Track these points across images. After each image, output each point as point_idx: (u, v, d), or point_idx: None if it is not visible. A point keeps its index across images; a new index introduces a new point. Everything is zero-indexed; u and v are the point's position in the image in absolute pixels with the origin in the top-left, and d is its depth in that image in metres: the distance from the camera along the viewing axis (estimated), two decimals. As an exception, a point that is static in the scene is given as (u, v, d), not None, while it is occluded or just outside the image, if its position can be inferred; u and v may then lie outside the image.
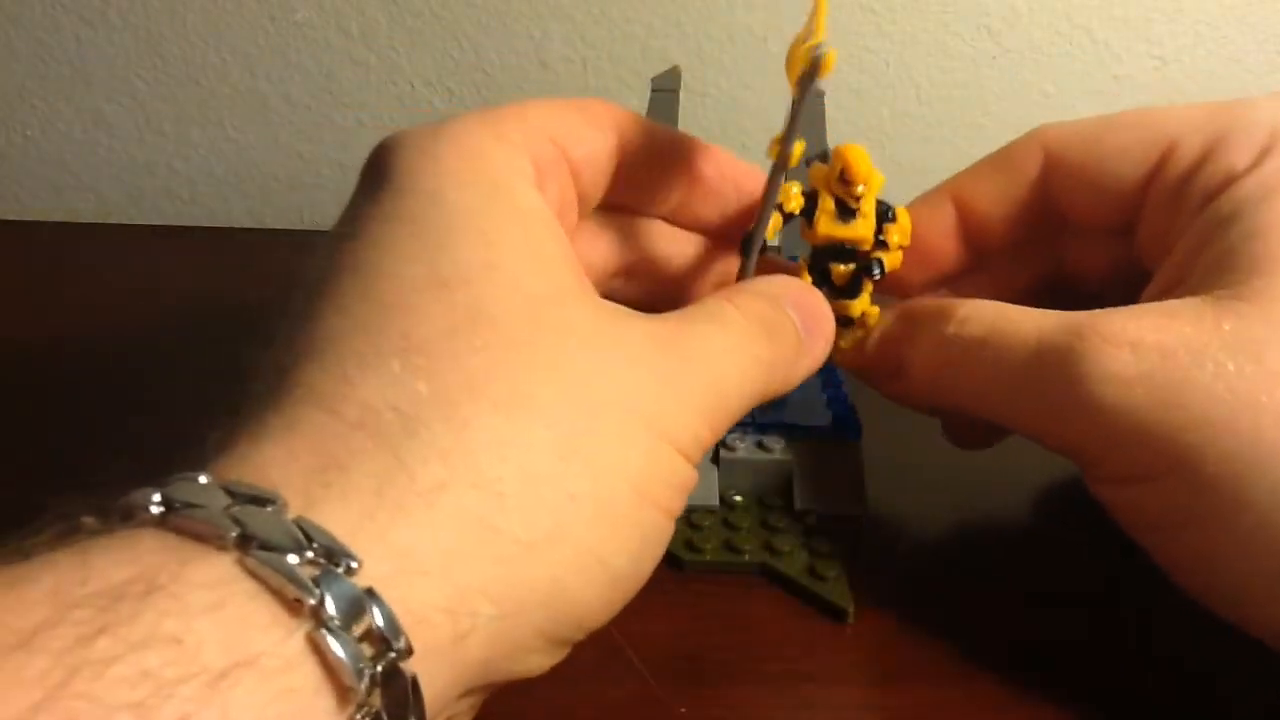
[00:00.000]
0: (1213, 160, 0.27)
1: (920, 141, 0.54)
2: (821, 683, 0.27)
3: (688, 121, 0.52)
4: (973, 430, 0.32)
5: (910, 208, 0.31)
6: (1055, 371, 0.25)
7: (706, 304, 0.26)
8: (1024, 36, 0.50)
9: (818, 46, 0.24)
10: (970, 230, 0.31)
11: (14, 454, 0.34)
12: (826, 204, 0.29)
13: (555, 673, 0.23)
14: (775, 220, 0.29)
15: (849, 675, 0.27)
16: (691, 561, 0.30)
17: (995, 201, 0.31)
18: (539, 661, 0.22)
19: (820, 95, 0.37)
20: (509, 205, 0.24)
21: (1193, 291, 0.25)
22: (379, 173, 0.25)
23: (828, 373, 0.34)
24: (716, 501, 0.31)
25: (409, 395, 0.21)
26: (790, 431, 0.32)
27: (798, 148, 0.27)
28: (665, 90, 0.37)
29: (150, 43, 0.51)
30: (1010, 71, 0.51)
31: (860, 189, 0.28)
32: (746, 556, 0.30)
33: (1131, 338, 0.24)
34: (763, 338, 0.26)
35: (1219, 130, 0.27)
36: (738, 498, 0.32)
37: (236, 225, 0.54)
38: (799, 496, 0.31)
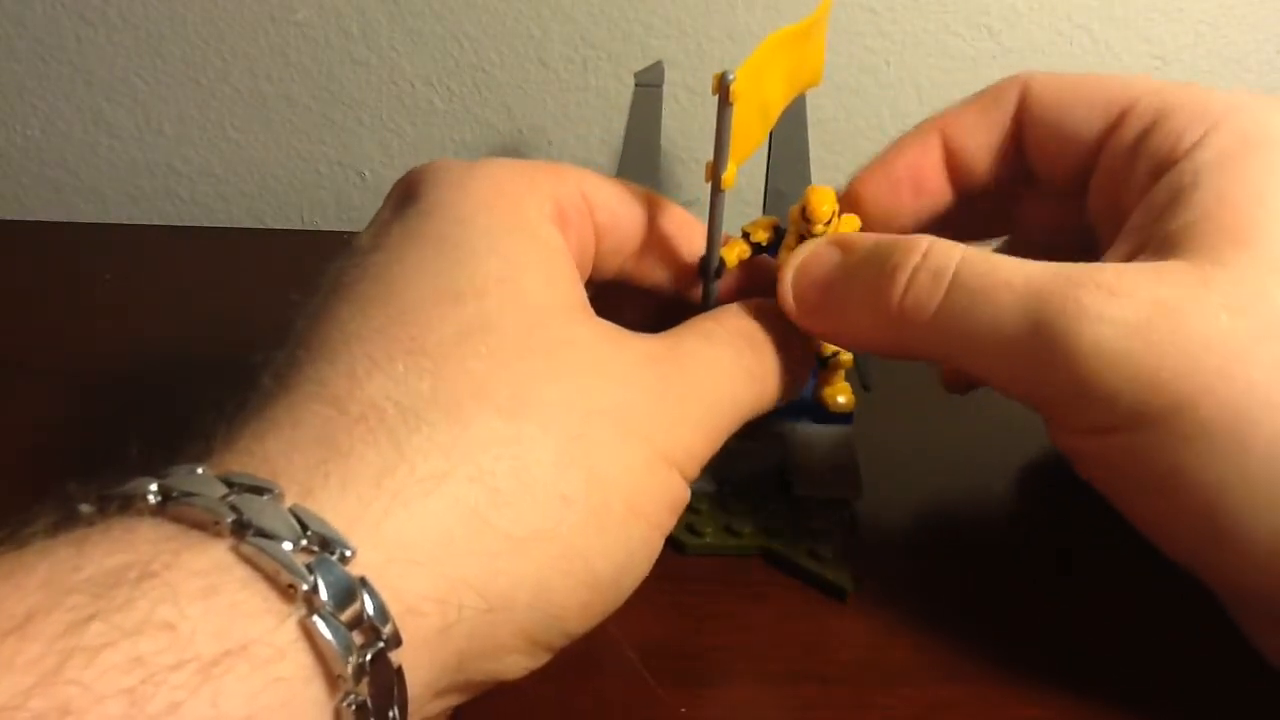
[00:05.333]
0: (1161, 128, 0.27)
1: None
2: (821, 683, 0.27)
3: (687, 121, 0.52)
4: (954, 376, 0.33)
5: (901, 141, 0.32)
6: (1048, 318, 0.24)
7: (693, 324, 0.27)
8: (1024, 36, 0.50)
9: (726, 74, 0.24)
10: (955, 165, 0.31)
11: (14, 452, 0.34)
12: (790, 240, 0.29)
13: (556, 672, 0.23)
14: (743, 249, 0.29)
15: (849, 675, 0.27)
16: (692, 545, 0.30)
17: (979, 136, 0.31)
18: (517, 662, 0.22)
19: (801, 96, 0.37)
20: (527, 233, 0.25)
21: (1163, 256, 0.25)
22: (409, 195, 0.26)
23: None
24: (714, 487, 0.32)
25: (413, 393, 0.21)
26: (784, 417, 0.32)
27: (731, 170, 0.27)
28: (649, 85, 0.37)
29: (150, 43, 0.51)
30: (1010, 71, 0.51)
31: (820, 229, 0.28)
32: (746, 540, 0.30)
33: (1128, 288, 0.24)
34: (749, 351, 0.27)
35: (1169, 102, 0.28)
36: (735, 483, 0.32)
37: (236, 225, 0.54)
38: (795, 481, 0.32)
